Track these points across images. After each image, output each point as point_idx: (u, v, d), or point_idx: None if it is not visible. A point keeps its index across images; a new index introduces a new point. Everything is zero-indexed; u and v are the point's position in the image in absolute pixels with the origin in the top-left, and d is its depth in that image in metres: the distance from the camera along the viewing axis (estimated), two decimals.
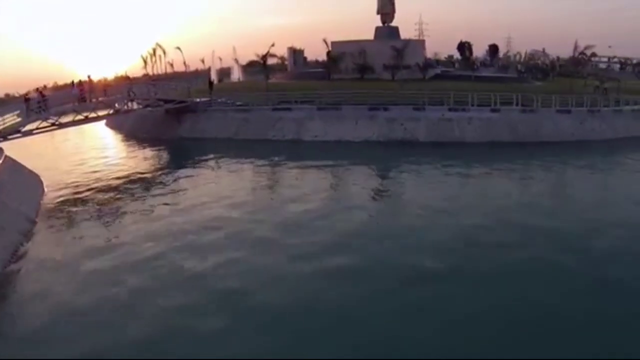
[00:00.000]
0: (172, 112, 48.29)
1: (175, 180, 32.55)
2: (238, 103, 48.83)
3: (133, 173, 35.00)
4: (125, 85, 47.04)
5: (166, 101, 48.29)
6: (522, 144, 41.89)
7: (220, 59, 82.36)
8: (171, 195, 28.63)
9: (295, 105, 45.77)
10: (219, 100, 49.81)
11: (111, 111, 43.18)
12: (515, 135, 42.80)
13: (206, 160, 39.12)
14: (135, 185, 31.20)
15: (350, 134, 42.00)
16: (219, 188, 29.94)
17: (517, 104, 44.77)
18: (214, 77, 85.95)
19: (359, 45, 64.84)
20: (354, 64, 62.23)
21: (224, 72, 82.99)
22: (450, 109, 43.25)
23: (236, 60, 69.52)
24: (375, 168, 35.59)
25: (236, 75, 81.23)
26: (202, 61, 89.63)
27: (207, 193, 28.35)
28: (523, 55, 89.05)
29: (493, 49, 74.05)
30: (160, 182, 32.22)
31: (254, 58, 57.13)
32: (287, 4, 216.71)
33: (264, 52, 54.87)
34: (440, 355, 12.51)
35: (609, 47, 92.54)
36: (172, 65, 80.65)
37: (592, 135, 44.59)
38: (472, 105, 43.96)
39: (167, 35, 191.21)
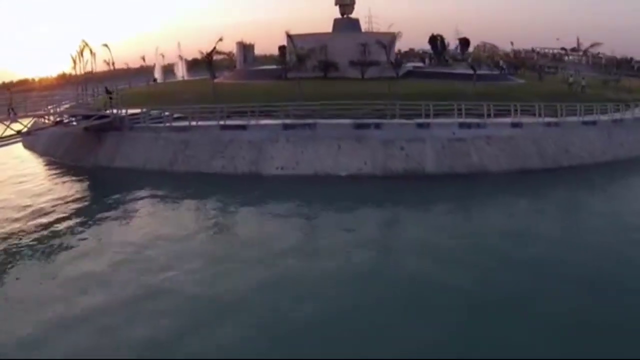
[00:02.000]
0: (92, 129, 30.20)
1: (68, 241, 17.80)
2: (176, 115, 31.03)
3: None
4: (6, 98, 28.20)
5: (86, 115, 30.63)
6: (553, 171, 27.17)
7: (163, 56, 62.91)
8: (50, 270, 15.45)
9: (251, 118, 28.02)
10: (152, 111, 31.69)
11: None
12: (544, 158, 27.75)
13: (125, 205, 22.66)
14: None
15: (331, 165, 25.24)
16: (129, 261, 15.69)
17: (539, 115, 29.23)
18: (157, 75, 66.54)
19: (320, 40, 47.57)
20: (316, 60, 45.18)
21: (168, 70, 63.74)
22: (461, 125, 27.12)
23: (180, 57, 50.94)
24: (369, 221, 20.15)
25: (180, 73, 62.17)
26: (143, 58, 69.81)
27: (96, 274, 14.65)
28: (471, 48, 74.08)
29: (464, 42, 58.58)
30: (48, 245, 17.50)
31: (199, 55, 38.75)
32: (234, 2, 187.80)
33: (210, 49, 36.24)
34: None
35: (557, 39, 78.49)
36: (108, 63, 60.84)
37: (623, 152, 30.60)
38: (489, 115, 28.05)
39: (113, 34, 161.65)
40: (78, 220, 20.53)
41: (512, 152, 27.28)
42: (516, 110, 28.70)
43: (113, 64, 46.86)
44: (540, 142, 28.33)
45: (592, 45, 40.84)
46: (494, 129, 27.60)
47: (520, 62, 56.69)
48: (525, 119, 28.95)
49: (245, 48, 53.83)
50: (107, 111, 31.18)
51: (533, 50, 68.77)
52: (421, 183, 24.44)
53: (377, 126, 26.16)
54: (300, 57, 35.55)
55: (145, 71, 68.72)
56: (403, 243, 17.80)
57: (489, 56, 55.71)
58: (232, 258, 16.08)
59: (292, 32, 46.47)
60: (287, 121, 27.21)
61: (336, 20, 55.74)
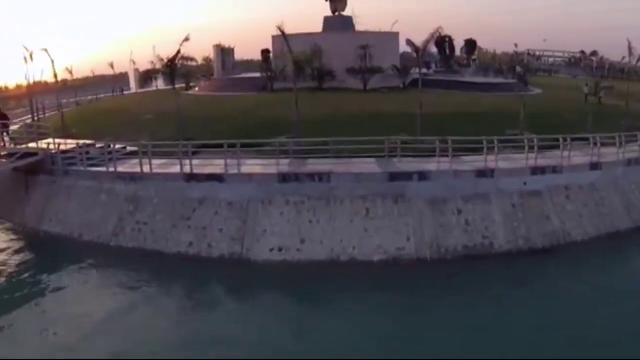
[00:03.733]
0: (22, 170, 19.49)
1: None
2: (130, 148, 20.38)
3: None
4: None
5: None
6: None
7: (134, 62, 50.85)
8: None
9: (229, 155, 16.98)
10: (99, 145, 20.73)
11: None
12: (631, 213, 18.63)
13: (48, 297, 13.68)
14: None
15: (356, 243, 14.92)
16: None
17: (620, 144, 19.45)
18: (132, 84, 54.19)
19: (311, 40, 36.59)
20: (309, 67, 34.46)
21: (146, 77, 51.56)
22: (534, 170, 17.16)
23: (152, 63, 39.61)
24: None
25: (156, 82, 50.20)
26: (111, 66, 57.64)
27: None
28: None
29: (470, 44, 48.40)
30: None
31: (159, 63, 27.49)
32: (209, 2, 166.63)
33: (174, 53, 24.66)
34: None
35: (544, 40, 69.07)
36: (70, 71, 48.94)
37: None
38: (563, 148, 18.06)
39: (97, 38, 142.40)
40: None
41: (595, 209, 17.71)
42: (595, 143, 18.86)
43: (56, 75, 34.70)
44: (623, 188, 18.82)
45: None
46: (572, 173, 17.81)
47: (524, 66, 47.09)
48: (605, 152, 19.19)
49: (224, 52, 42.44)
50: (32, 144, 20.42)
51: (529, 53, 59.01)
52: (492, 268, 14.58)
53: (422, 176, 15.92)
54: (298, 63, 24.53)
55: (123, 79, 57.01)
56: None
57: (494, 59, 45.90)
58: None
59: (275, 32, 35.01)
60: (285, 168, 16.74)
61: (327, 19, 44.46)
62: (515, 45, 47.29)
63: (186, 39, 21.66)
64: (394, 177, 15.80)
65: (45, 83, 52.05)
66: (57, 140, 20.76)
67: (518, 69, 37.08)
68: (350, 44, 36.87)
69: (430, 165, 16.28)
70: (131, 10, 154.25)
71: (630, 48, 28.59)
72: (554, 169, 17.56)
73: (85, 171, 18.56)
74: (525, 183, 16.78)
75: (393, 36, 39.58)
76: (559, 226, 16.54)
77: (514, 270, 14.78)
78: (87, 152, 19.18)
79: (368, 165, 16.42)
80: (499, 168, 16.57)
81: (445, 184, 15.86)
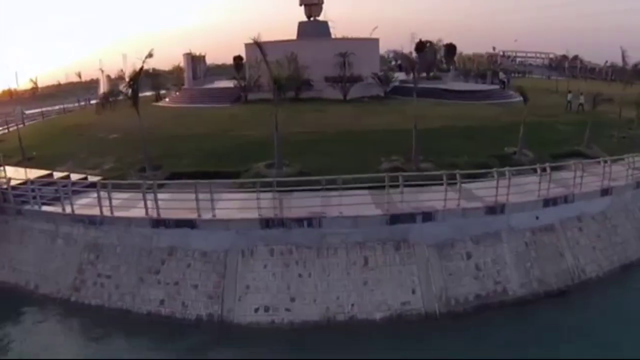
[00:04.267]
0: None
1: None
2: (92, 179, 17.74)
3: None
4: None
5: None
6: None
7: (103, 71, 47.32)
8: None
9: (202, 197, 13.75)
10: (57, 176, 18.12)
11: None
12: None
13: None
14: None
15: (355, 299, 12.73)
16: None
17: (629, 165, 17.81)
18: (102, 88, 50.42)
19: (286, 48, 34.20)
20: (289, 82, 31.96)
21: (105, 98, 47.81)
22: (546, 202, 15.23)
23: (122, 73, 36.34)
24: None
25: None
26: (79, 75, 53.93)
27: None
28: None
29: (450, 49, 46.52)
30: None
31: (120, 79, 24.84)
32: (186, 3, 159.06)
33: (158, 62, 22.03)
34: None
35: (515, 41, 68.07)
36: (35, 83, 45.51)
37: None
38: (576, 176, 16.04)
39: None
40: None
41: (608, 239, 16.12)
42: (605, 161, 17.13)
43: (11, 91, 31.61)
44: (634, 214, 17.27)
45: None
46: (583, 201, 16.04)
47: (504, 70, 45.58)
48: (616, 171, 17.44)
49: (195, 60, 39.48)
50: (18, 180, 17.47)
51: (504, 55, 57.73)
52: (507, 320, 12.68)
53: (427, 217, 13.79)
54: (279, 83, 21.83)
55: (96, 87, 53.14)
56: None
57: (472, 61, 44.26)
58: None
59: (248, 40, 31.75)
60: (268, 212, 13.90)
61: (301, 25, 42.13)
62: (494, 48, 45.88)
63: (150, 55, 18.92)
64: (395, 219, 13.57)
65: (16, 92, 47.96)
66: (8, 171, 18.28)
67: (501, 75, 35.44)
68: (328, 51, 34.78)
69: (435, 202, 14.07)
70: (131, 11, 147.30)
71: (624, 57, 27.02)
72: (566, 199, 15.73)
73: (39, 211, 15.83)
74: (537, 217, 14.92)
75: (373, 43, 37.54)
76: (573, 263, 14.79)
77: (530, 321, 12.83)
78: (40, 189, 16.40)
79: (364, 206, 14.06)
80: (510, 203, 14.58)
81: (453, 225, 13.81)
